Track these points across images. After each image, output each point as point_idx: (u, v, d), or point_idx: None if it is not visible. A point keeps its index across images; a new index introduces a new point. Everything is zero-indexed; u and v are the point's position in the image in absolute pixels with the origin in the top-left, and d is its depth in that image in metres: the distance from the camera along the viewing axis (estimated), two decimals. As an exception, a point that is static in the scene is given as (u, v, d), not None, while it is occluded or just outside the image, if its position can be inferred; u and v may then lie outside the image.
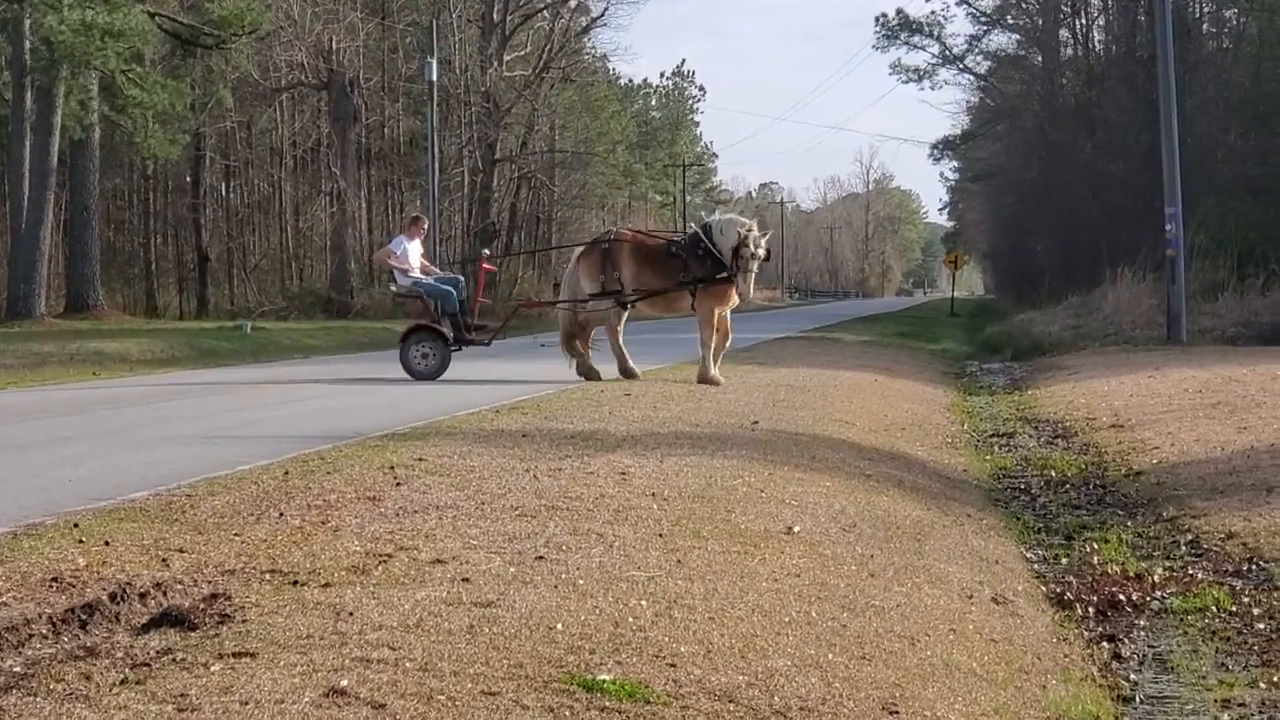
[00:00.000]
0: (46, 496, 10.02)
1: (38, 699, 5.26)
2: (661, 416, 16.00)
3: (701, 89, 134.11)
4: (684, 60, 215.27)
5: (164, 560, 7.69)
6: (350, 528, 8.72)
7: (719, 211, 23.63)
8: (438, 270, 24.63)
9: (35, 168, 42.55)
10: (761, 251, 20.43)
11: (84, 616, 6.41)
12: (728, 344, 21.55)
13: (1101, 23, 66.41)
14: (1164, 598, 10.17)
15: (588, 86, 77.21)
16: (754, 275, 20.64)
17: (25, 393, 21.35)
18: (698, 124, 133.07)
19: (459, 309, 22.33)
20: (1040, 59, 73.61)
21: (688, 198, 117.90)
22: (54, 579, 7.14)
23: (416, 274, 22.76)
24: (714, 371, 20.62)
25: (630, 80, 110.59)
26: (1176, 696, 8.10)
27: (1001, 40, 78.90)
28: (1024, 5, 74.54)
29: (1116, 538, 12.34)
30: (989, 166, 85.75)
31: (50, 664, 5.73)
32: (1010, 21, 76.34)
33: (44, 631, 6.22)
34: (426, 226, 24.44)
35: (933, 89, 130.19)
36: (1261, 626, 9.26)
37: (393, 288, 24.23)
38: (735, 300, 21.05)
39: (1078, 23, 68.60)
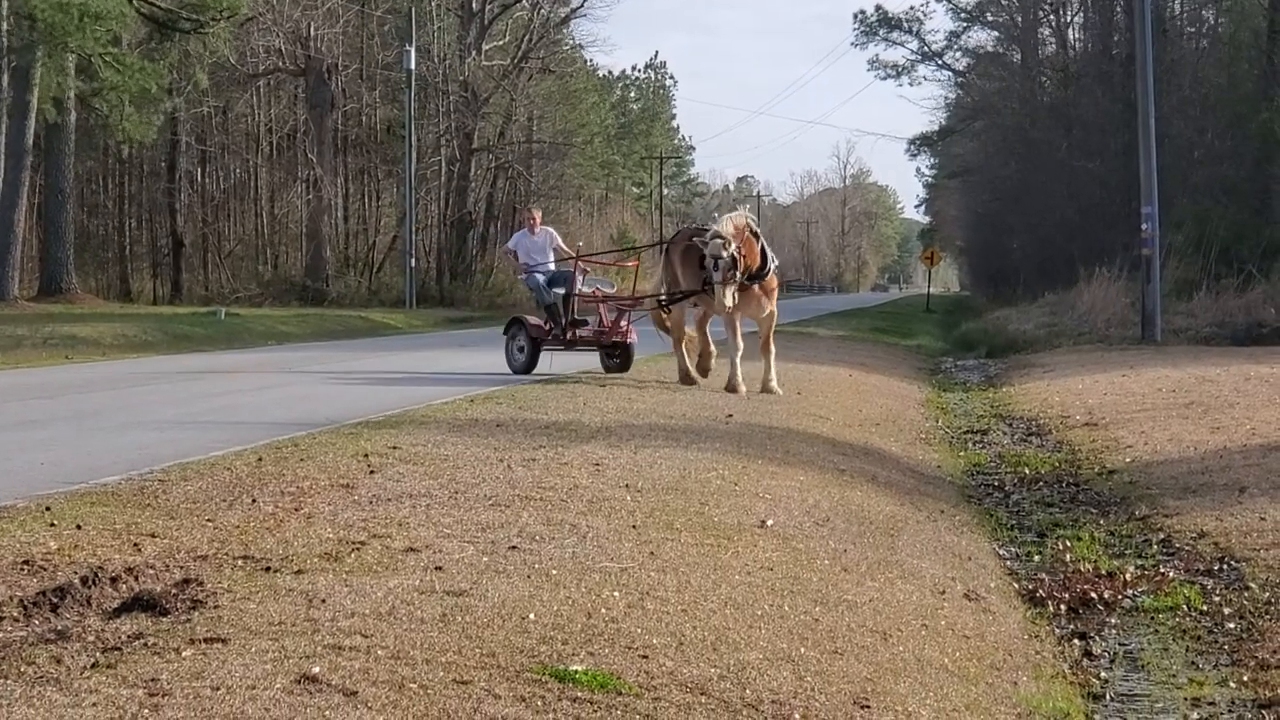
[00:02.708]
0: (18, 479, 9.99)
1: (8, 681, 5.24)
2: (636, 409, 15.99)
3: (672, 78, 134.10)
4: (657, 53, 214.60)
5: (136, 545, 7.66)
6: (323, 515, 8.70)
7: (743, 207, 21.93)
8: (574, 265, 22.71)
9: (10, 150, 42.36)
10: (722, 259, 18.29)
11: (55, 600, 6.38)
12: (738, 354, 19.27)
13: (1079, 21, 66.53)
14: (1135, 596, 10.20)
15: (566, 77, 77.13)
16: (725, 286, 18.36)
17: (-3, 375, 21.28)
18: (675, 116, 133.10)
19: (556, 304, 21.14)
20: (1019, 56, 73.76)
21: (665, 190, 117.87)
22: (25, 562, 7.11)
23: (549, 265, 21.78)
24: (738, 379, 18.91)
25: (609, 72, 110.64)
26: (1147, 694, 8.13)
27: (981, 37, 79.21)
28: (1003, 2, 74.67)
29: (1089, 535, 12.38)
30: (966, 163, 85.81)
31: (21, 647, 5.70)
32: (989, 18, 76.52)
33: (14, 614, 6.19)
34: (538, 216, 22.86)
35: (911, 85, 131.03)
36: (1232, 626, 9.29)
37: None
38: (755, 307, 19.27)
39: (1056, 20, 68.71)
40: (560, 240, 22.47)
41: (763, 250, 19.23)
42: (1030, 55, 71.42)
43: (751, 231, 19.16)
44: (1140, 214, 34.68)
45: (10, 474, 10.35)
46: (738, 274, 18.54)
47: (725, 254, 18.37)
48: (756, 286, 19.16)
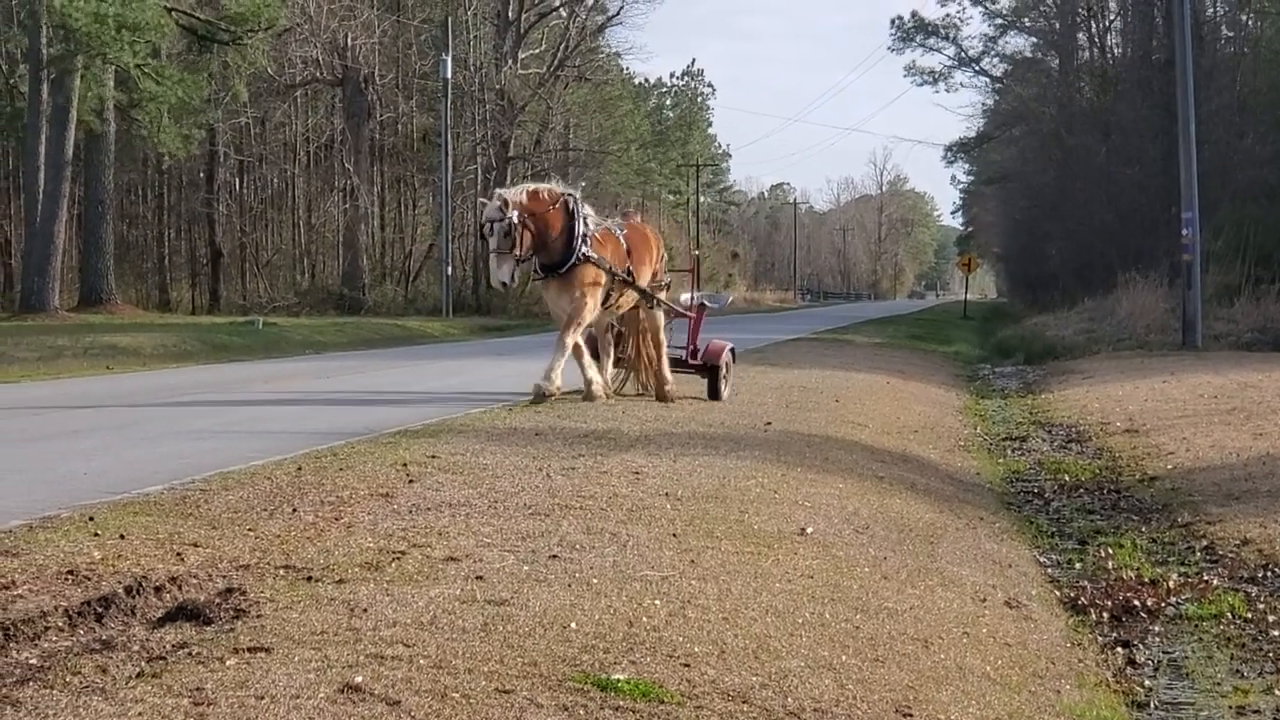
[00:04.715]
0: (61, 489, 10.03)
1: (54, 691, 5.26)
2: (674, 416, 15.98)
3: (710, 86, 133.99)
4: (694, 60, 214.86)
5: (179, 554, 7.69)
6: (363, 524, 8.72)
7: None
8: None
9: (50, 161, 42.61)
10: (499, 223, 16.18)
11: (100, 610, 6.41)
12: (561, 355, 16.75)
13: (1118, 26, 66.29)
14: (1179, 604, 10.15)
15: (602, 85, 77.21)
16: (498, 258, 16.28)
17: (39, 386, 21.38)
18: (711, 124, 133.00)
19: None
20: (1057, 62, 73.52)
21: (701, 198, 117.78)
22: (69, 572, 7.14)
23: None
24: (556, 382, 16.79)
25: (645, 79, 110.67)
26: (1191, 703, 8.09)
27: (1018, 43, 79.06)
28: (1041, 8, 74.45)
29: (1131, 543, 12.32)
30: (1004, 170, 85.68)
31: (66, 657, 5.73)
32: (1027, 24, 76.35)
33: (60, 624, 6.22)
34: (638, 219, 20.36)
35: (948, 91, 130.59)
36: (1277, 633, 9.25)
37: None
38: (564, 300, 16.84)
39: (1094, 25, 68.48)
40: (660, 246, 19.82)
41: (568, 233, 16.61)
42: (1068, 61, 71.16)
43: (566, 209, 16.72)
44: (1180, 219, 34.55)
45: (54, 484, 10.40)
46: (519, 248, 16.20)
47: (501, 219, 16.17)
48: (558, 278, 16.74)
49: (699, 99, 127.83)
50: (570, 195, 16.96)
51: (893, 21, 77.85)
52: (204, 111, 50.80)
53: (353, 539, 8.26)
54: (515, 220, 16.13)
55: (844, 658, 6.93)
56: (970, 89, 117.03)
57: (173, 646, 5.91)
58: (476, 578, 7.38)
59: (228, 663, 5.66)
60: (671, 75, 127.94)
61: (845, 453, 14.59)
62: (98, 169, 47.82)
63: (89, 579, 7.03)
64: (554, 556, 8.02)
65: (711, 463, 12.27)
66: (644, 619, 6.87)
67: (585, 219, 16.86)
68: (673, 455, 12.49)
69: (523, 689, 5.64)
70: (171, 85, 43.43)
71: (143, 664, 5.64)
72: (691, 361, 18.84)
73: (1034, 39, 77.56)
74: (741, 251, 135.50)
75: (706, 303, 20.04)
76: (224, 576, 7.21)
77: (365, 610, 6.59)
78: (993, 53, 78.34)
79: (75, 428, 14.88)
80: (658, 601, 7.23)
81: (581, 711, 5.50)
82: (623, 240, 17.53)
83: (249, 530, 8.43)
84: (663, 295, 18.38)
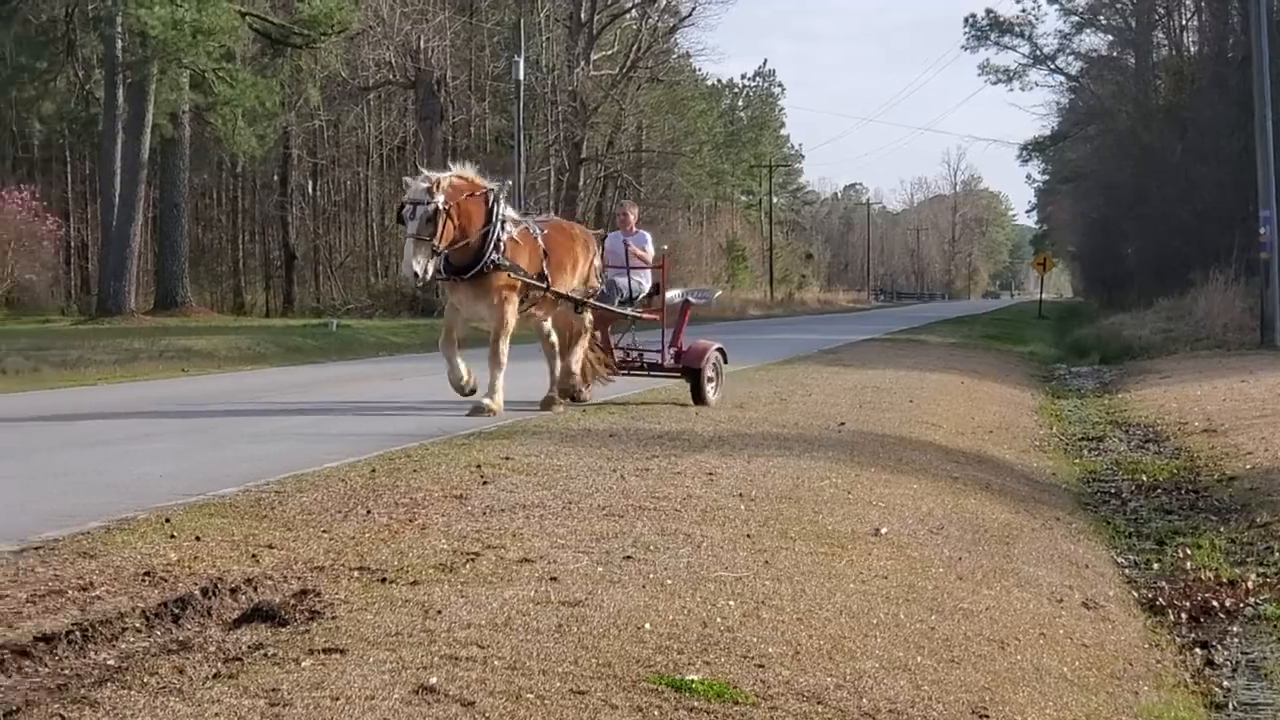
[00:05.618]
0: (138, 491, 10.08)
1: (132, 692, 5.30)
2: (748, 417, 15.95)
3: (781, 86, 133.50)
4: (765, 60, 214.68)
5: (254, 556, 7.73)
6: (437, 526, 8.74)
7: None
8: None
9: (126, 165, 43.05)
10: (423, 206, 14.96)
11: (176, 611, 6.45)
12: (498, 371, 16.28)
13: (1194, 24, 65.69)
14: (1258, 604, 10.05)
15: (674, 86, 77.20)
16: (415, 245, 14.91)
17: (116, 388, 21.54)
18: (784, 125, 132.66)
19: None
20: (1133, 60, 72.90)
21: (774, 199, 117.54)
22: (146, 573, 7.19)
23: (624, 273, 18.24)
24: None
25: (718, 80, 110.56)
26: (1270, 704, 8.00)
27: (1094, 41, 78.44)
28: (1117, 5, 73.84)
29: (1209, 543, 12.20)
30: (1079, 168, 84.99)
31: (144, 657, 5.77)
32: (1103, 22, 75.76)
33: (137, 625, 6.26)
34: (633, 215, 19.00)
35: (1022, 90, 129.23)
36: (1358, 635, 9.13)
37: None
38: (480, 305, 16.19)
39: (1171, 23, 67.85)
40: (644, 246, 18.46)
41: (484, 236, 15.48)
42: (1144, 59, 70.58)
43: (486, 206, 15.63)
44: (1258, 217, 34.19)
45: (130, 486, 10.47)
46: (439, 239, 14.94)
47: (426, 202, 14.93)
48: (466, 282, 15.76)
49: (770, 99, 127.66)
50: (493, 191, 15.85)
51: (967, 19, 77.40)
52: (278, 115, 51.13)
53: (427, 540, 8.27)
54: (441, 206, 14.92)
55: (919, 658, 6.89)
56: (1045, 87, 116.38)
57: (248, 647, 5.94)
58: (550, 579, 7.39)
59: (303, 664, 5.69)
60: (743, 76, 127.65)
61: (919, 453, 14.52)
62: (173, 173, 48.27)
63: (165, 580, 7.08)
64: (628, 557, 8.02)
65: (785, 463, 12.25)
66: (718, 620, 6.86)
67: (503, 221, 15.71)
68: (746, 456, 12.47)
69: (597, 690, 5.64)
70: (245, 89, 43.74)
71: (219, 665, 5.68)
72: (669, 365, 17.79)
73: (1110, 37, 77.02)
74: (815, 252, 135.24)
75: (691, 299, 18.88)
76: (299, 578, 7.25)
77: (439, 612, 6.60)
78: (1068, 50, 77.77)
79: (151, 431, 14.99)
80: (732, 602, 7.22)
81: (656, 713, 5.49)
82: (541, 242, 16.28)
83: (323, 532, 8.47)
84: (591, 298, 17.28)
